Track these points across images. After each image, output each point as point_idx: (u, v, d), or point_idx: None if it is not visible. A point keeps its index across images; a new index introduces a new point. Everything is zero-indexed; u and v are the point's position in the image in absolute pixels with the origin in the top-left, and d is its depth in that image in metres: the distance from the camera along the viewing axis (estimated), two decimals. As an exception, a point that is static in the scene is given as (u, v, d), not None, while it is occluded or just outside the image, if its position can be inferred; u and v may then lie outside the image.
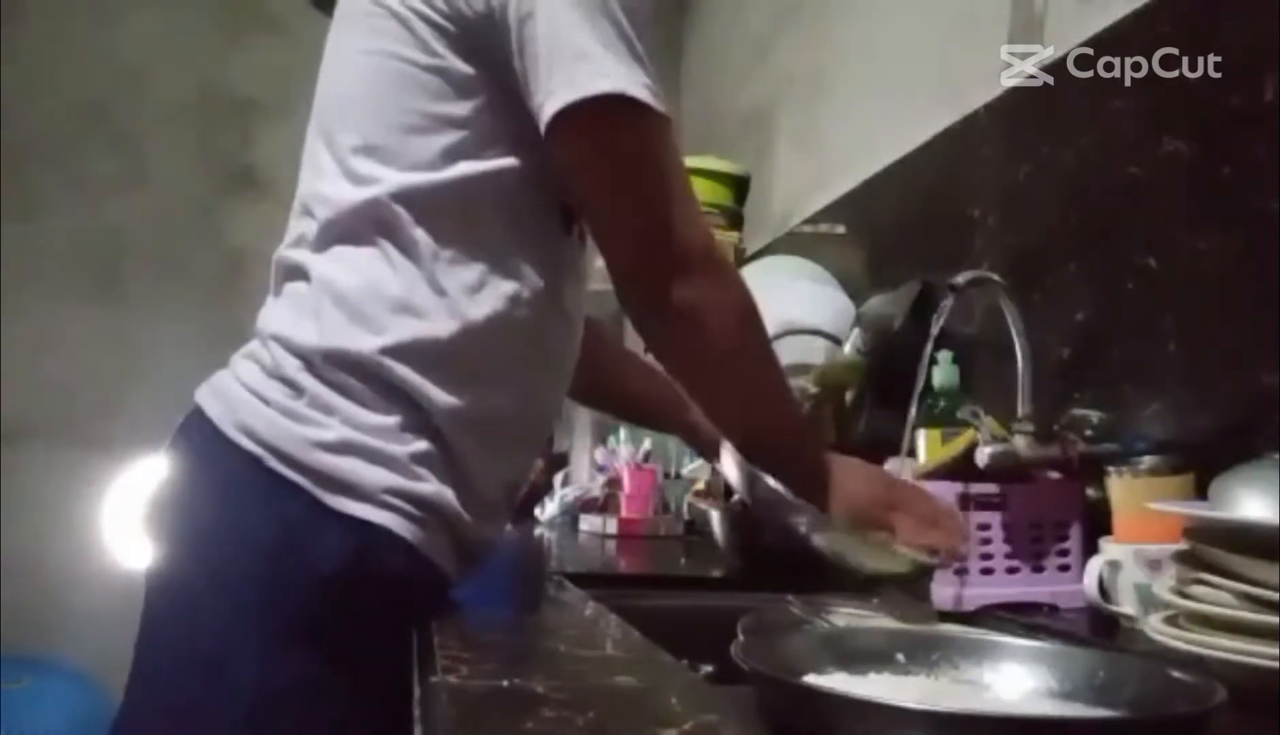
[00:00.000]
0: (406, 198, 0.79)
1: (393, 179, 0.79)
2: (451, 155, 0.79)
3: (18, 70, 2.79)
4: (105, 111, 2.89)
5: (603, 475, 2.03)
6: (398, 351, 0.78)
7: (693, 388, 0.91)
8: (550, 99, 0.74)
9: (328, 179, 0.82)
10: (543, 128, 0.75)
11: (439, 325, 0.79)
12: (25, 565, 2.56)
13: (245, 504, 0.77)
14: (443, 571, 0.82)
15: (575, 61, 0.74)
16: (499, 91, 0.79)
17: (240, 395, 0.81)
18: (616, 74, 0.74)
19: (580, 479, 2.19)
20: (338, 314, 0.79)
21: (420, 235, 0.79)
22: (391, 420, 0.78)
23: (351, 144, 0.81)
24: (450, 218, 0.79)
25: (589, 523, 1.92)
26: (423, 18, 0.78)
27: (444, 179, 0.79)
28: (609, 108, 0.74)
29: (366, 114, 0.81)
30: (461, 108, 0.79)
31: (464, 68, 0.79)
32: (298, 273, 0.83)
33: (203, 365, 0.88)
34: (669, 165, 0.78)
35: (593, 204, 0.81)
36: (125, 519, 2.70)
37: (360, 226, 0.80)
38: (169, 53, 2.93)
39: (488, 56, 0.78)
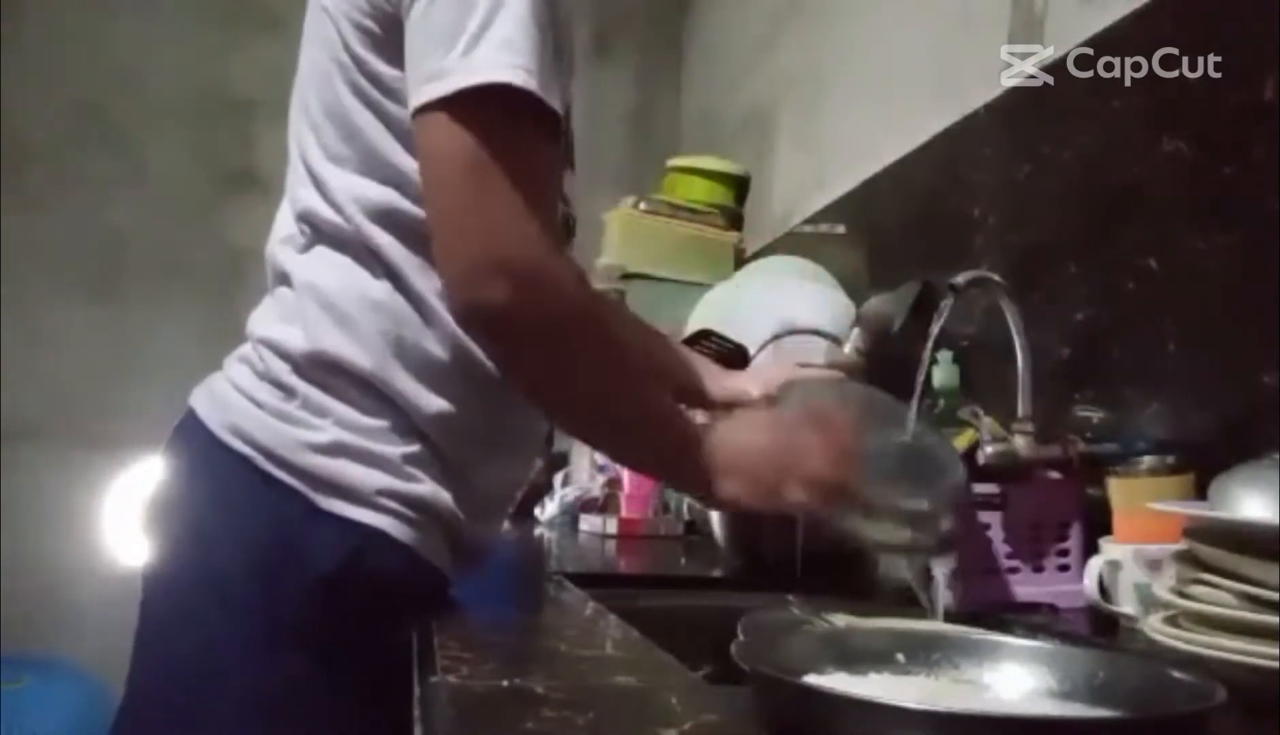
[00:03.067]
0: (367, 207, 0.79)
1: (352, 187, 0.79)
2: (402, 161, 0.78)
3: (17, 69, 2.78)
4: (104, 111, 2.88)
5: (603, 475, 2.03)
6: (382, 357, 0.78)
7: (539, 405, 0.84)
8: (416, 91, 0.70)
9: (303, 186, 0.82)
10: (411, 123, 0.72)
11: (420, 333, 0.79)
12: (25, 565, 2.56)
13: (239, 506, 0.77)
14: (439, 571, 0.82)
15: (436, 53, 0.69)
16: None
17: (232, 398, 0.81)
18: (479, 66, 0.68)
19: (580, 479, 2.19)
20: (322, 318, 0.79)
21: (389, 243, 0.79)
22: (382, 423, 0.78)
23: (313, 151, 0.81)
24: (411, 224, 0.78)
25: (589, 523, 1.92)
26: (353, 23, 0.78)
27: (398, 185, 0.78)
28: (468, 101, 0.68)
29: (321, 121, 0.81)
30: (399, 110, 0.77)
31: (392, 72, 0.77)
32: (284, 276, 0.83)
33: (203, 365, 0.88)
34: (519, 166, 0.70)
35: (430, 200, 0.73)
36: (125, 519, 2.69)
37: (335, 234, 0.80)
38: (169, 53, 2.92)
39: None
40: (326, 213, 0.80)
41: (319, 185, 0.81)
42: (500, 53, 0.68)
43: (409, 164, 0.78)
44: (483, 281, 0.70)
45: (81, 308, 2.80)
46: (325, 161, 0.81)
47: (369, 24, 0.77)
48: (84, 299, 2.81)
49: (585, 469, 2.16)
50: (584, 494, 2.04)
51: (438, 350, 0.79)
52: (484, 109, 0.69)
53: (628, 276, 2.05)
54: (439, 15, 0.70)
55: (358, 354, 0.78)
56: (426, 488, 0.79)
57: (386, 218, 0.79)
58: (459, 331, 0.79)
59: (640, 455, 0.89)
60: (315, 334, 0.79)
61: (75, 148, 2.85)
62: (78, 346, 2.77)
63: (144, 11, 2.90)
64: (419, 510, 0.79)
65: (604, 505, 1.97)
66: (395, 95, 0.77)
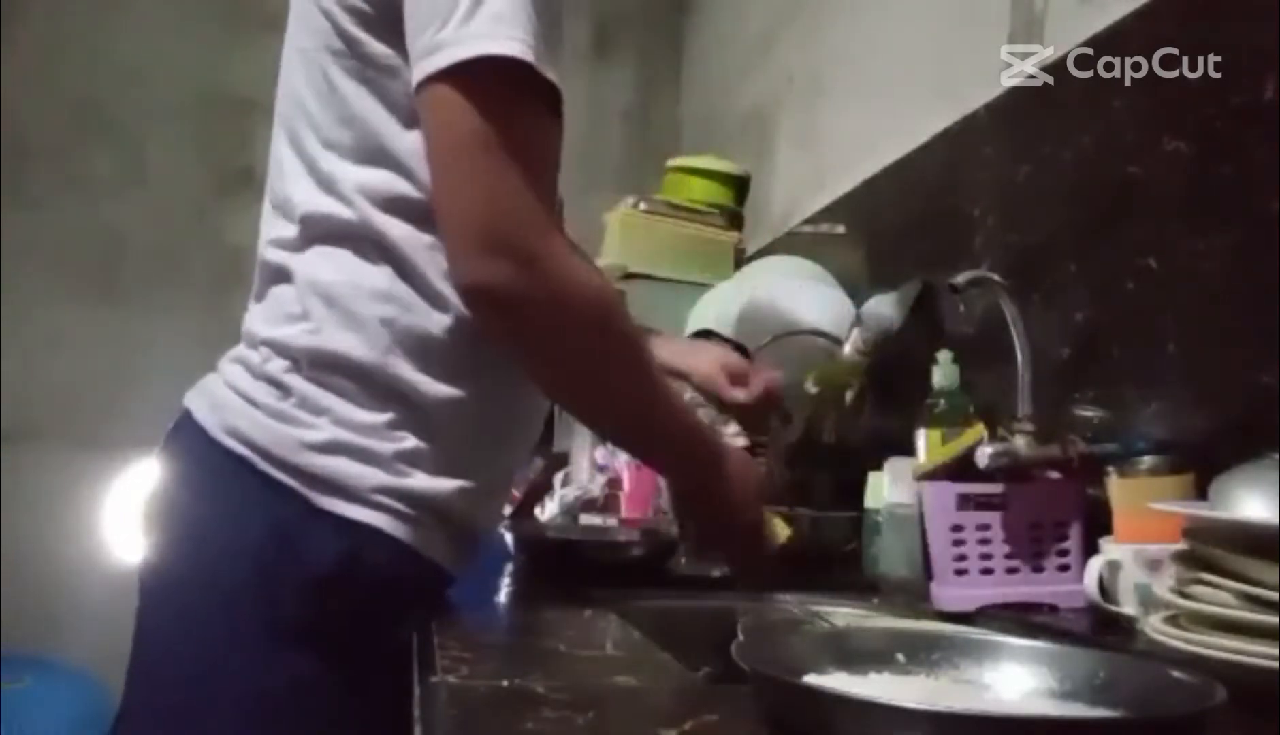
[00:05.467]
0: (369, 192, 0.79)
1: (352, 175, 0.79)
2: (401, 142, 0.78)
3: (18, 68, 2.78)
4: (105, 110, 2.88)
5: (603, 475, 2.03)
6: (387, 348, 0.78)
7: (541, 385, 0.84)
8: (415, 66, 0.71)
9: (297, 182, 0.82)
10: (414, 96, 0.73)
11: (427, 318, 0.79)
12: (25, 565, 2.55)
13: (236, 506, 0.77)
14: (438, 567, 0.82)
15: (432, 27, 0.70)
16: None
17: (227, 398, 0.81)
18: (474, 38, 0.68)
19: (580, 479, 2.18)
20: (325, 313, 0.79)
21: (394, 228, 0.79)
22: (383, 418, 0.78)
23: (311, 142, 0.81)
24: (414, 206, 0.78)
25: (589, 522, 1.92)
26: (343, 6, 0.78)
27: (401, 168, 0.78)
28: (467, 75, 0.69)
29: (317, 111, 0.81)
30: (396, 93, 0.78)
31: (385, 50, 0.78)
32: (281, 275, 0.82)
33: (202, 365, 0.88)
34: (520, 141, 0.70)
35: (434, 177, 0.74)
36: (125, 519, 2.69)
37: (336, 227, 0.80)
38: (169, 52, 2.92)
39: (400, 35, 0.76)
40: (326, 205, 0.80)
41: (319, 177, 0.81)
42: (495, 25, 0.68)
43: (410, 145, 0.78)
44: (484, 259, 0.71)
45: (81, 308, 2.79)
46: (325, 151, 0.80)
47: (363, 6, 0.77)
48: (83, 299, 2.80)
49: (585, 469, 2.16)
50: (584, 494, 2.03)
51: (445, 336, 0.79)
52: (482, 82, 0.69)
53: (628, 276, 2.05)
54: None
55: (362, 347, 0.78)
56: (425, 483, 0.79)
57: (392, 203, 0.79)
58: (466, 314, 0.78)
59: (648, 449, 0.91)
60: (319, 330, 0.79)
61: (75, 148, 2.85)
62: (77, 347, 2.77)
63: (144, 11, 2.90)
64: (417, 506, 0.79)
65: (604, 505, 1.97)
66: (392, 72, 0.78)
